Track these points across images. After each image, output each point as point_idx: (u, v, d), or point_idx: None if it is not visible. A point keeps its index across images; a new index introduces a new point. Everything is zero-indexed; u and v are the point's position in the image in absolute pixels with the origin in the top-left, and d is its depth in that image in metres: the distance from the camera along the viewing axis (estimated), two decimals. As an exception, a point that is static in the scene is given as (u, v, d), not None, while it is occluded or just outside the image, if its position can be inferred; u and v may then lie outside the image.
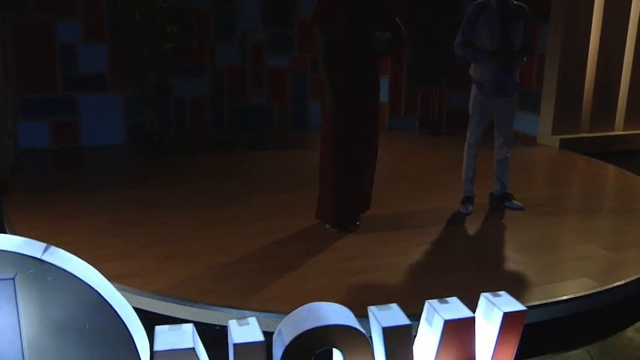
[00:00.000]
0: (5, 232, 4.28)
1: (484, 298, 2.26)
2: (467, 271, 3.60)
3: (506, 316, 2.15)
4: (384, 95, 8.01)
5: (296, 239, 4.04)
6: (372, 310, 2.11)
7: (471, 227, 4.47)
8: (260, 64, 7.74)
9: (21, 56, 6.26)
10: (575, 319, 3.28)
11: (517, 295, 3.31)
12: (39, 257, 1.75)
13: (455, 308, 2.16)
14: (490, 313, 2.21)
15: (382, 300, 2.20)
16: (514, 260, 3.86)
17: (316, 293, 3.20)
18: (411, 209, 4.78)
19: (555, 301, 3.26)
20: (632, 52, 7.77)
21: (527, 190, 5.37)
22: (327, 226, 4.20)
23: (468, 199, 4.74)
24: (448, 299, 2.22)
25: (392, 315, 2.10)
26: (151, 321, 2.62)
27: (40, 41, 6.30)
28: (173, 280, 3.39)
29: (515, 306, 2.18)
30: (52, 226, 4.22)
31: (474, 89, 4.58)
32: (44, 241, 1.94)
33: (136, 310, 1.97)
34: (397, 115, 8.23)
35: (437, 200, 5.01)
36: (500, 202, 4.85)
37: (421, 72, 7.82)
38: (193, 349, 1.83)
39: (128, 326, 1.85)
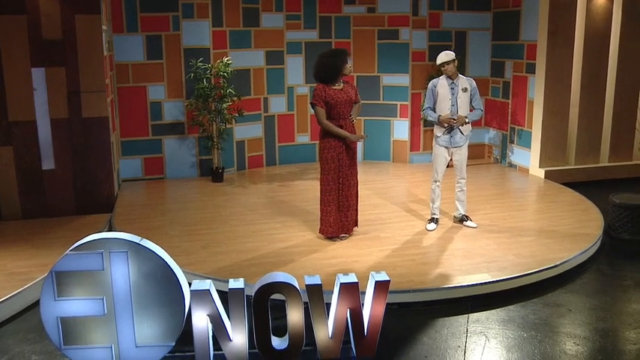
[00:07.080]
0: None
1: (370, 275, 4.06)
2: (403, 267, 5.35)
3: (377, 283, 3.95)
4: (404, 134, 9.87)
5: (301, 245, 5.93)
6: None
7: (427, 239, 6.13)
8: (304, 111, 9.82)
9: (123, 111, 8.58)
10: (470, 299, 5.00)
11: (424, 282, 5.05)
12: (138, 242, 3.76)
13: (349, 278, 3.97)
14: (371, 282, 4.01)
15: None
16: (444, 262, 5.47)
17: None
18: (392, 225, 6.54)
19: (444, 287, 4.98)
20: (612, 95, 9.17)
21: (491, 212, 7.03)
22: (323, 236, 6.08)
23: (433, 220, 6.48)
24: (349, 274, 4.04)
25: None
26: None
27: (136, 100, 8.60)
28: (216, 267, 5.38)
29: (383, 277, 3.97)
30: (142, 234, 6.23)
31: (434, 142, 6.34)
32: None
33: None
34: (416, 150, 10.00)
35: (419, 218, 6.76)
36: (459, 222, 6.56)
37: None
38: (208, 290, 3.77)
39: (178, 278, 3.82)
